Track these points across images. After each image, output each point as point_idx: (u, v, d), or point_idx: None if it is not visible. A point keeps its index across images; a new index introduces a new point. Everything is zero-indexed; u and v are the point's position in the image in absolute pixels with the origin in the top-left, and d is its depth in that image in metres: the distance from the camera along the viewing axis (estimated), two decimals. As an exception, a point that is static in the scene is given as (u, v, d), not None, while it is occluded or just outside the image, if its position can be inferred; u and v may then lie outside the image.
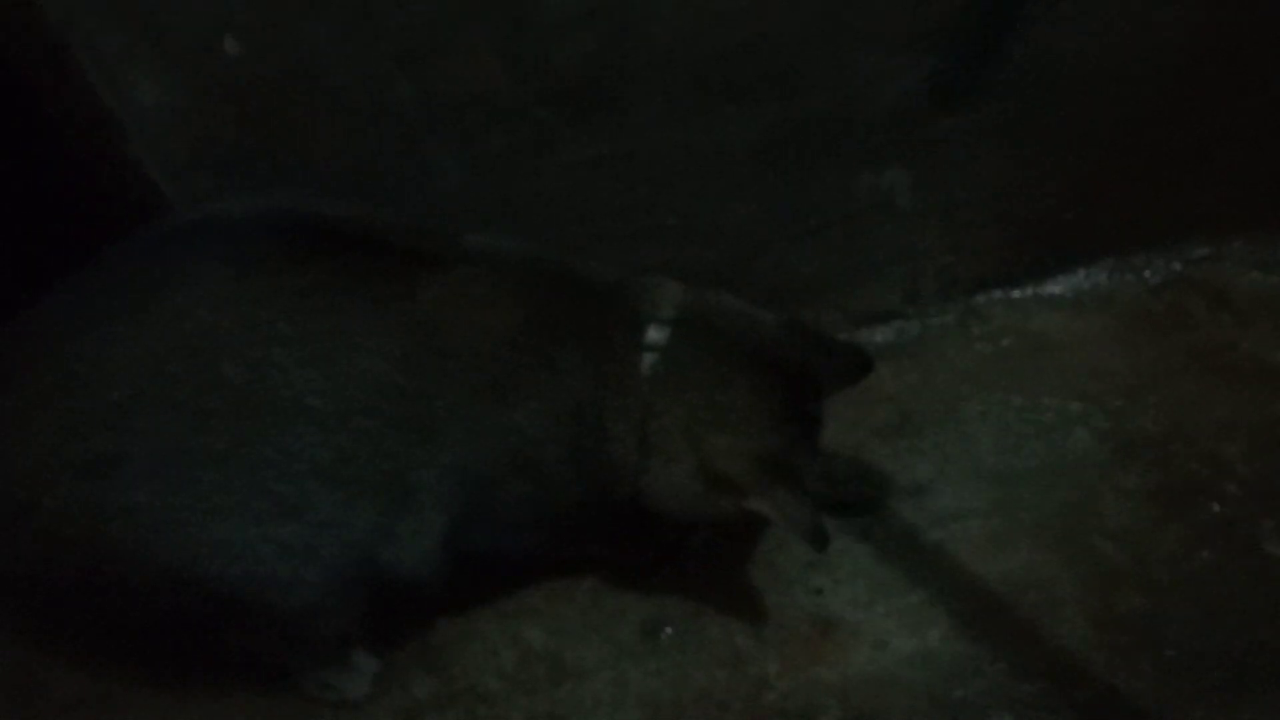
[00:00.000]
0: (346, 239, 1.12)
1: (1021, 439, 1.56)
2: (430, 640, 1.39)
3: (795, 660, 1.37)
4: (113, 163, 1.27)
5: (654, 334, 1.21)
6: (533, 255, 1.22)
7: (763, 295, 1.61)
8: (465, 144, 1.33)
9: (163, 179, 1.27)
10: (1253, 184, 1.70)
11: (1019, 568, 1.43)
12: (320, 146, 1.29)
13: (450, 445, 1.13)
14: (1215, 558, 1.41)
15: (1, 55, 1.26)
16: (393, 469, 1.11)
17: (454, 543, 1.19)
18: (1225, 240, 1.76)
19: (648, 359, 1.20)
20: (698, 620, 1.41)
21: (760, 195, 1.49)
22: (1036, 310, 1.73)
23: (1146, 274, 1.75)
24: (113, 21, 1.15)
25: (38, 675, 1.35)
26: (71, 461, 1.02)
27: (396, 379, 1.09)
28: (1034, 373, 1.63)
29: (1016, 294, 1.75)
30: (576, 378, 1.18)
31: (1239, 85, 1.57)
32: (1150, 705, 1.28)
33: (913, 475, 1.55)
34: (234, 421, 1.04)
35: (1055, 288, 1.75)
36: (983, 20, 1.33)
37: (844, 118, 1.41)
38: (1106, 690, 1.30)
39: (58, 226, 1.33)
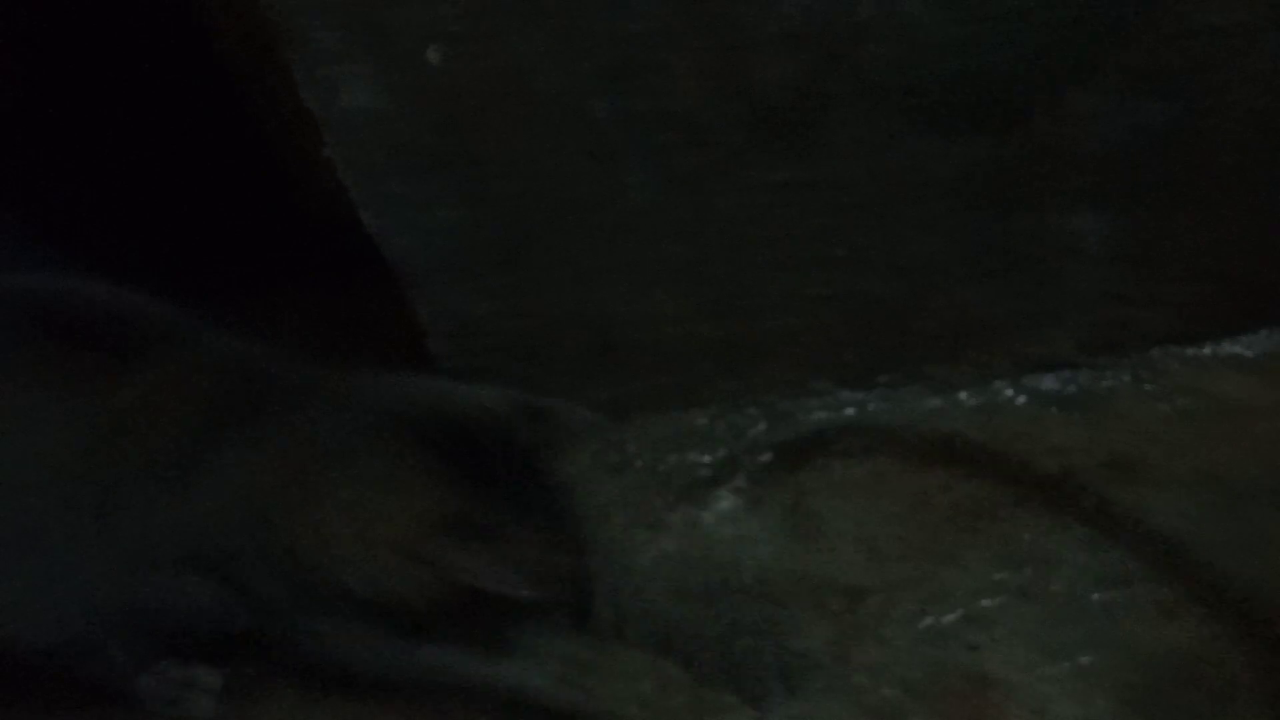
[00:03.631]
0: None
1: (1199, 507, 1.49)
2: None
3: (947, 718, 1.32)
4: (307, 162, 1.28)
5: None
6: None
7: (931, 336, 1.59)
8: (657, 161, 1.32)
9: (355, 182, 1.28)
10: None
11: (1194, 641, 1.36)
12: (516, 157, 1.28)
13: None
14: None
15: (209, 49, 1.27)
16: None
17: None
18: None
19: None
20: (843, 668, 1.37)
21: (946, 232, 1.45)
22: (1216, 370, 1.64)
23: (1340, 340, 1.67)
24: (325, 22, 1.15)
25: None
26: None
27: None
28: (1217, 438, 1.55)
29: (1193, 351, 1.66)
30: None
31: None
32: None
33: (1077, 533, 1.49)
34: None
35: (1237, 348, 1.67)
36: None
37: (1050, 157, 1.36)
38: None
39: (245, 221, 1.36)
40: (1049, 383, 1.66)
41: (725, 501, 1.60)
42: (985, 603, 1.43)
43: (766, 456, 1.65)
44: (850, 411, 1.68)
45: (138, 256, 1.32)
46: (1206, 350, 1.67)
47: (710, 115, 1.28)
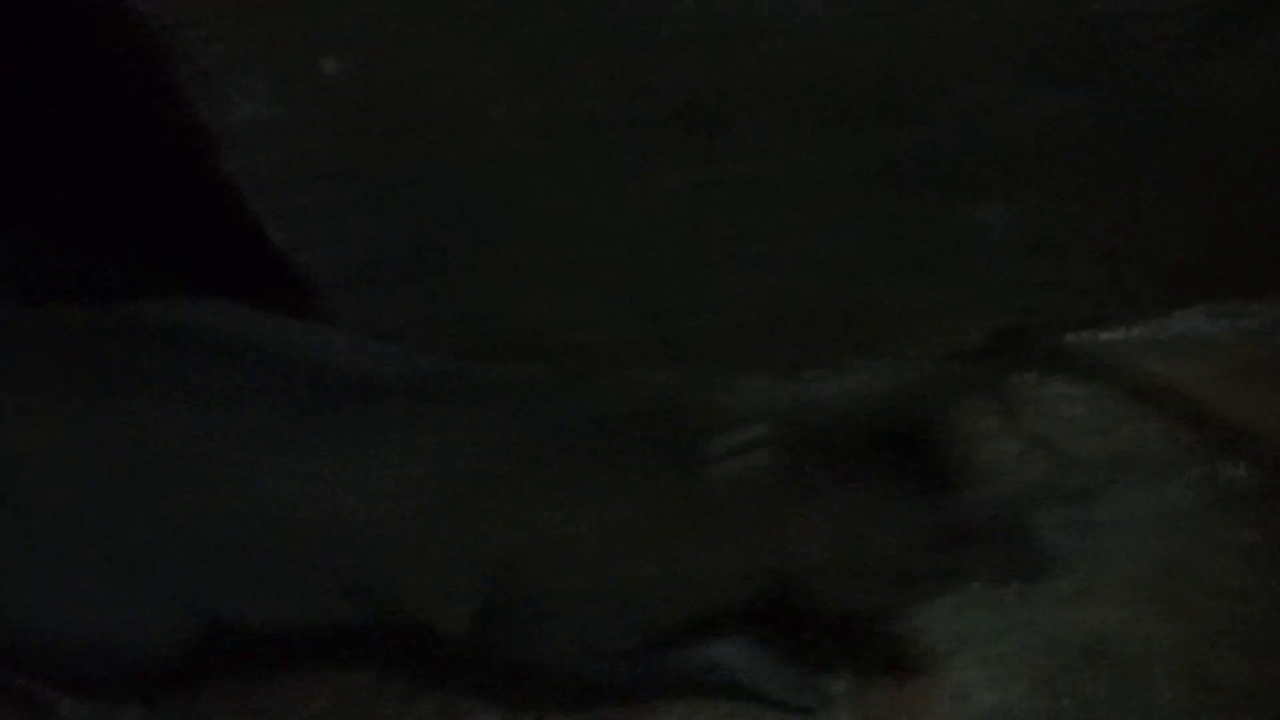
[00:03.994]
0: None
1: (1113, 487, 1.51)
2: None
3: (870, 711, 1.33)
4: (204, 176, 1.26)
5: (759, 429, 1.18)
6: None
7: (850, 329, 1.60)
8: (564, 165, 1.31)
9: (256, 195, 1.26)
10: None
11: (1108, 622, 1.38)
12: (421, 165, 1.27)
13: None
14: (1319, 622, 1.36)
15: (96, 62, 1.24)
16: None
17: None
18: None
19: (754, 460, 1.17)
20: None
21: (858, 226, 1.45)
22: (1129, 354, 1.67)
23: (1249, 319, 1.70)
24: (215, 34, 1.13)
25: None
26: None
27: None
28: (1127, 418, 1.58)
29: (1106, 336, 1.69)
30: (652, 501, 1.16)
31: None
32: (1250, 776, 1.24)
33: (994, 521, 1.50)
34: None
35: (1150, 332, 1.70)
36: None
37: (953, 149, 1.37)
38: (1201, 758, 1.26)
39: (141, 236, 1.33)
40: (969, 372, 1.68)
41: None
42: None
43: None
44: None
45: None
46: (1119, 334, 1.69)
47: (615, 118, 1.28)
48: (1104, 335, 1.69)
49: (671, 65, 1.24)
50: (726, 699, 1.31)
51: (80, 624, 1.17)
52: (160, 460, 1.11)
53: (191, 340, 1.16)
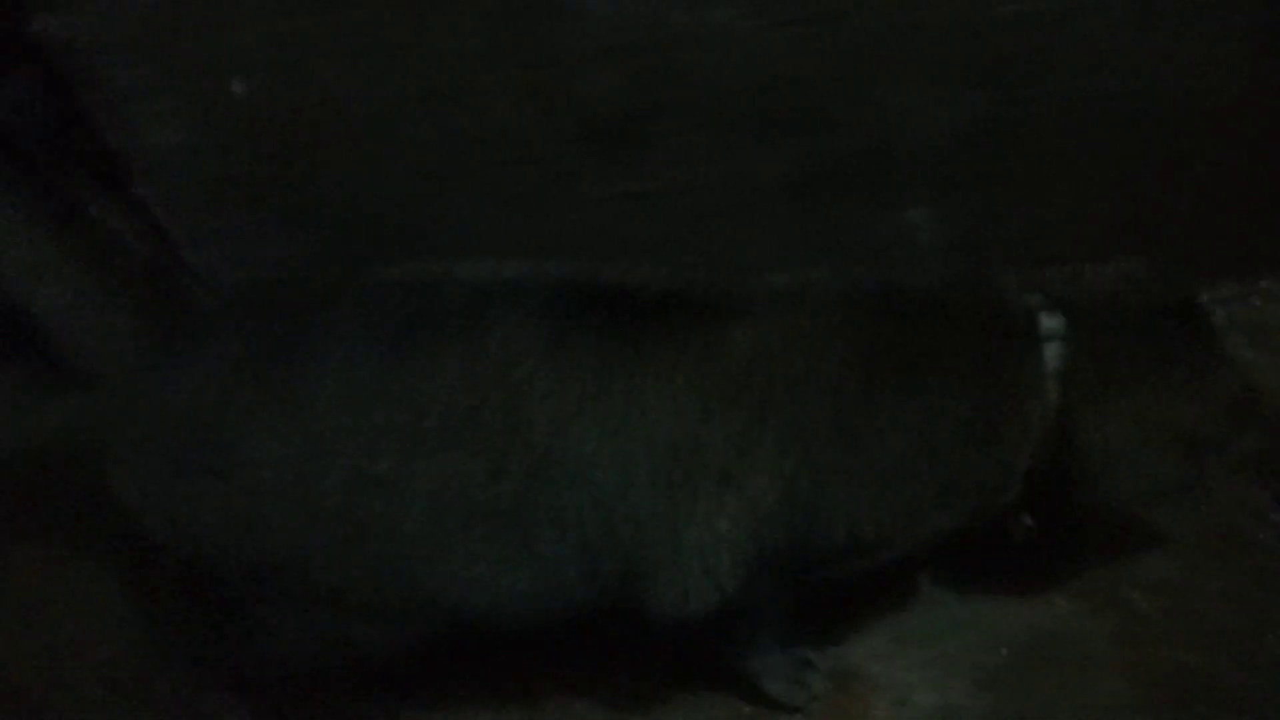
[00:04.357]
0: (646, 303, 1.09)
1: (1050, 484, 1.52)
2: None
3: (812, 716, 1.33)
4: (118, 201, 1.24)
5: (1049, 322, 1.11)
6: (857, 284, 1.14)
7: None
8: (484, 181, 1.30)
9: (170, 220, 1.24)
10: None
11: (1047, 619, 1.39)
12: (339, 184, 1.26)
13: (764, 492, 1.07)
14: (1253, 610, 1.36)
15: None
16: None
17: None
18: (1254, 278, 1.72)
19: (1051, 351, 1.10)
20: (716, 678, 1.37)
21: (782, 232, 1.46)
22: (1063, 350, 1.68)
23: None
24: (124, 60, 1.12)
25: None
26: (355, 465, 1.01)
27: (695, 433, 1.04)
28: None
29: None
30: (948, 398, 1.08)
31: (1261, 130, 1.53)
32: (1188, 766, 1.24)
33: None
34: (525, 481, 1.03)
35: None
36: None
37: (873, 155, 1.38)
38: (1141, 750, 1.26)
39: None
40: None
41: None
42: (848, 597, 1.44)
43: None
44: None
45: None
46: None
47: (536, 133, 1.27)
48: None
49: (585, 79, 1.24)
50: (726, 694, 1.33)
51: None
52: None
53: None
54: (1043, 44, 1.31)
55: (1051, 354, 1.10)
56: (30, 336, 1.28)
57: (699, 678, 1.34)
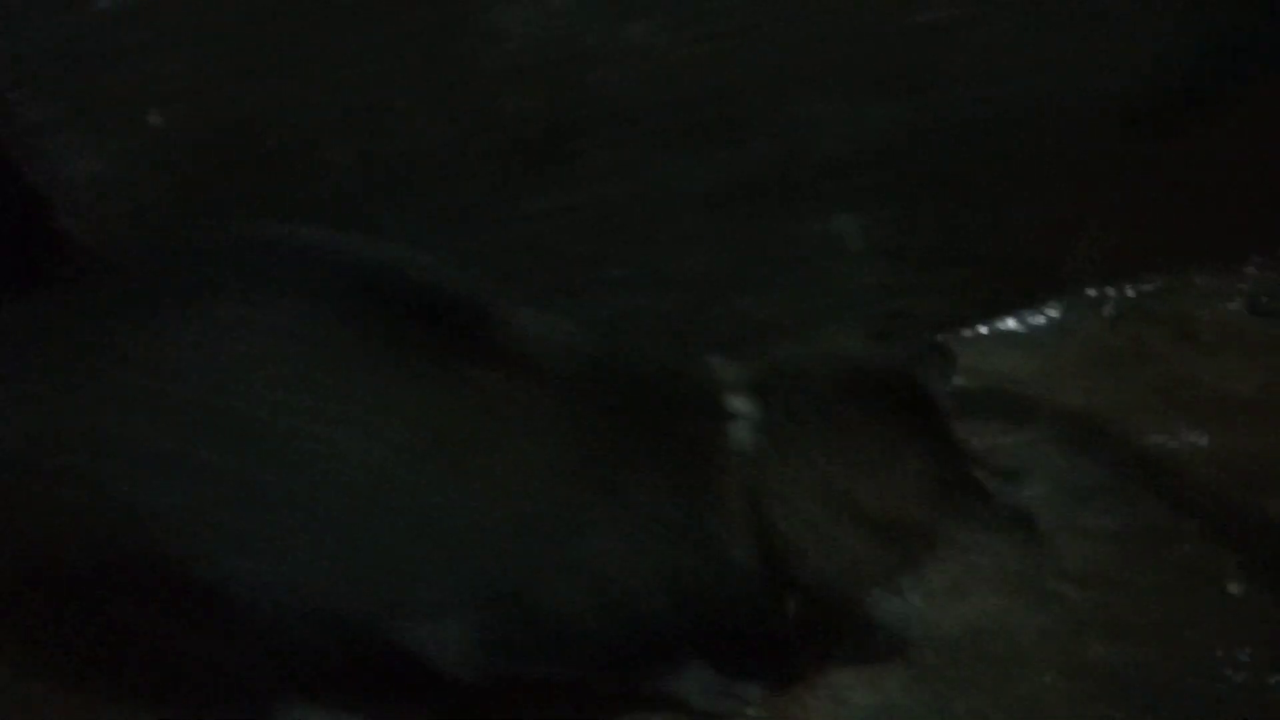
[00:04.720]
0: (399, 296, 1.04)
1: (980, 481, 1.54)
2: None
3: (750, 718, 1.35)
4: (43, 234, 1.24)
5: (737, 403, 1.09)
6: (577, 347, 1.08)
7: (720, 342, 1.61)
8: (411, 203, 1.31)
9: (97, 250, 1.24)
10: (1209, 214, 1.70)
11: (979, 615, 1.41)
12: (258, 213, 1.26)
13: (464, 560, 1.04)
14: (1181, 600, 1.39)
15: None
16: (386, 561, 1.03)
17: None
18: (1184, 272, 1.75)
19: (738, 432, 1.08)
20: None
21: (713, 242, 1.47)
22: (992, 349, 1.71)
23: (1104, 307, 1.75)
24: (33, 94, 1.12)
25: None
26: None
27: (404, 474, 1.00)
28: (991, 413, 1.62)
29: (970, 333, 1.73)
30: (654, 493, 1.05)
31: (1194, 119, 1.56)
32: (1118, 754, 1.27)
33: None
34: (239, 449, 0.98)
35: (1011, 324, 1.74)
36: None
37: (792, 165, 1.40)
38: (1073, 741, 1.28)
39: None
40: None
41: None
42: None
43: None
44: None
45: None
46: (983, 329, 1.74)
47: (459, 152, 1.28)
48: (966, 332, 1.73)
49: (506, 98, 1.25)
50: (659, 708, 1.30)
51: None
52: None
53: None
54: (952, 52, 1.34)
55: (740, 436, 1.08)
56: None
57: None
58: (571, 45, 1.23)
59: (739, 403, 1.09)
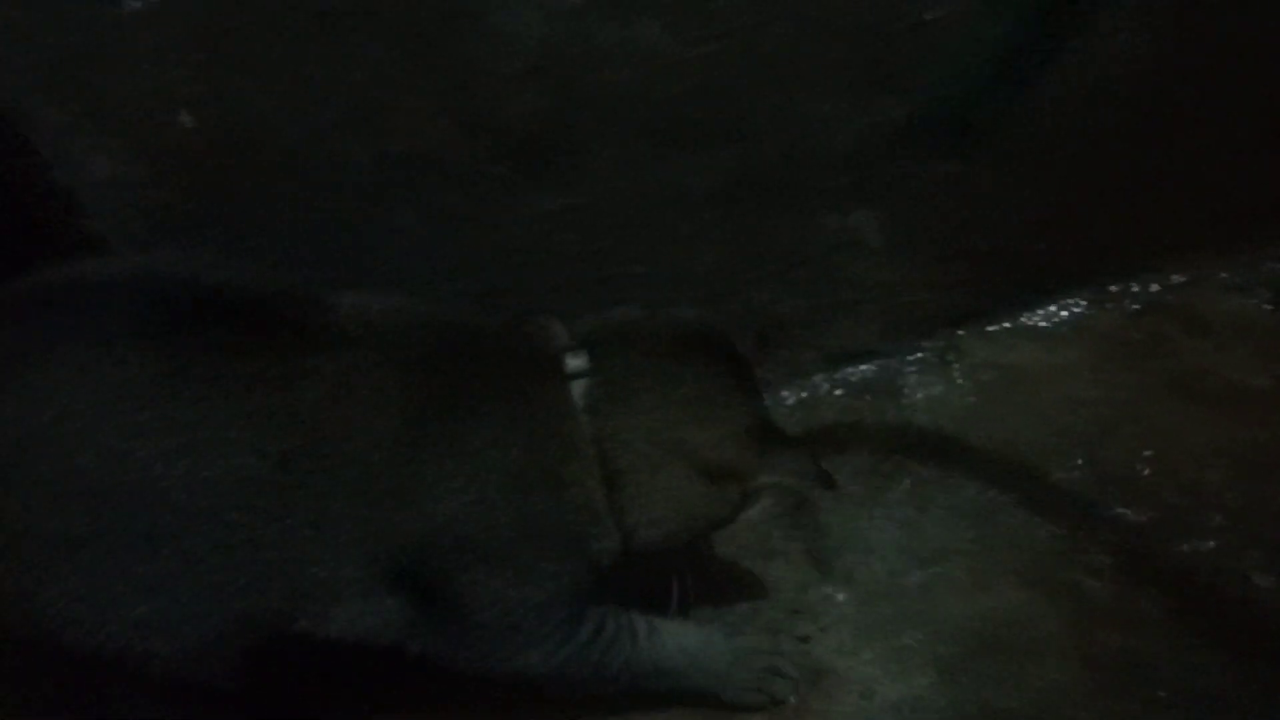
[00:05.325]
0: (218, 310, 1.06)
1: (1001, 476, 1.54)
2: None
3: (782, 712, 1.35)
4: (73, 234, 1.27)
5: (573, 361, 1.15)
6: (412, 319, 1.13)
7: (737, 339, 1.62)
8: (423, 201, 1.33)
9: (123, 250, 1.27)
10: (1227, 207, 1.69)
11: (1003, 608, 1.41)
12: (277, 210, 1.29)
13: (355, 543, 1.07)
14: (1202, 591, 1.38)
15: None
16: (279, 559, 1.07)
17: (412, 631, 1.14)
18: (1201, 265, 1.74)
19: (577, 388, 1.14)
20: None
21: (724, 239, 1.48)
22: (1013, 343, 1.71)
23: (1123, 301, 1.74)
24: (56, 98, 1.15)
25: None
26: None
27: (274, 476, 1.04)
28: (1012, 407, 1.62)
29: (993, 328, 1.73)
30: (497, 447, 1.10)
31: (1208, 111, 1.56)
32: (1140, 746, 1.26)
33: (893, 516, 1.53)
34: (93, 508, 1.01)
35: (1031, 319, 1.74)
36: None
37: (801, 161, 1.41)
38: (1096, 733, 1.28)
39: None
40: (862, 372, 1.71)
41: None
42: (811, 595, 1.47)
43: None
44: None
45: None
46: (1005, 325, 1.73)
47: (467, 152, 1.30)
48: (989, 326, 1.72)
49: (513, 98, 1.27)
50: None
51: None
52: None
53: None
54: (952, 48, 1.34)
55: (579, 392, 1.14)
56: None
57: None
58: (580, 45, 1.24)
59: (574, 360, 1.15)
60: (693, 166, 1.38)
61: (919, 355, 1.72)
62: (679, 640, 1.28)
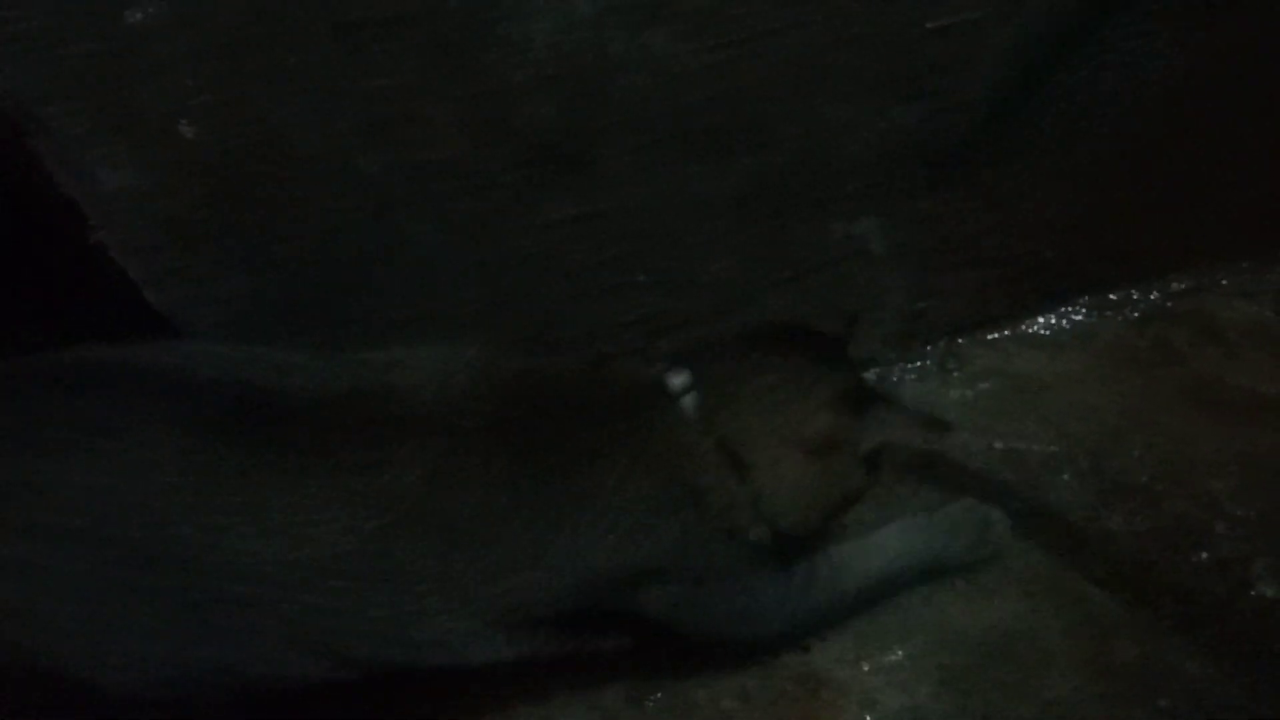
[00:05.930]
0: (292, 402, 1.11)
1: (1006, 484, 1.54)
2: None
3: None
4: (78, 246, 1.26)
5: (676, 380, 1.21)
6: (488, 378, 1.17)
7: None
8: (436, 210, 1.32)
9: (130, 262, 1.26)
10: (1234, 214, 1.69)
11: (1008, 618, 1.41)
12: (289, 220, 1.28)
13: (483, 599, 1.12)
14: (1209, 601, 1.39)
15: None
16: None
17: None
18: (1208, 271, 1.75)
19: (686, 403, 1.20)
20: (683, 684, 1.39)
21: (736, 247, 1.48)
22: (1017, 351, 1.72)
23: (1128, 309, 1.74)
24: (69, 109, 1.14)
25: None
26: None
27: (372, 548, 1.07)
28: (1016, 415, 1.62)
29: (995, 335, 1.73)
30: (630, 480, 1.15)
31: (1214, 118, 1.56)
32: (1146, 758, 1.26)
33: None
34: (185, 574, 1.05)
35: (1035, 327, 1.74)
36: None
37: (814, 168, 1.40)
38: (1101, 745, 1.28)
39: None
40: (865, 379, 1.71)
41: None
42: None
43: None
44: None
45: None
46: (1006, 332, 1.74)
47: (480, 161, 1.29)
48: (991, 334, 1.72)
49: (530, 107, 1.26)
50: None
51: None
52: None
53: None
54: (966, 55, 1.34)
55: (689, 406, 1.20)
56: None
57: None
58: (594, 54, 1.23)
59: (676, 379, 1.21)
60: (706, 174, 1.37)
61: (920, 363, 1.72)
62: (887, 544, 1.39)
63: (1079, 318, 1.74)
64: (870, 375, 1.70)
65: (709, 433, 1.19)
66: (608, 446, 1.15)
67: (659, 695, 1.38)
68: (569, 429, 1.16)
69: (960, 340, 1.72)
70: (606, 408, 1.19)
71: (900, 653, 1.40)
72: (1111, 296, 1.74)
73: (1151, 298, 1.75)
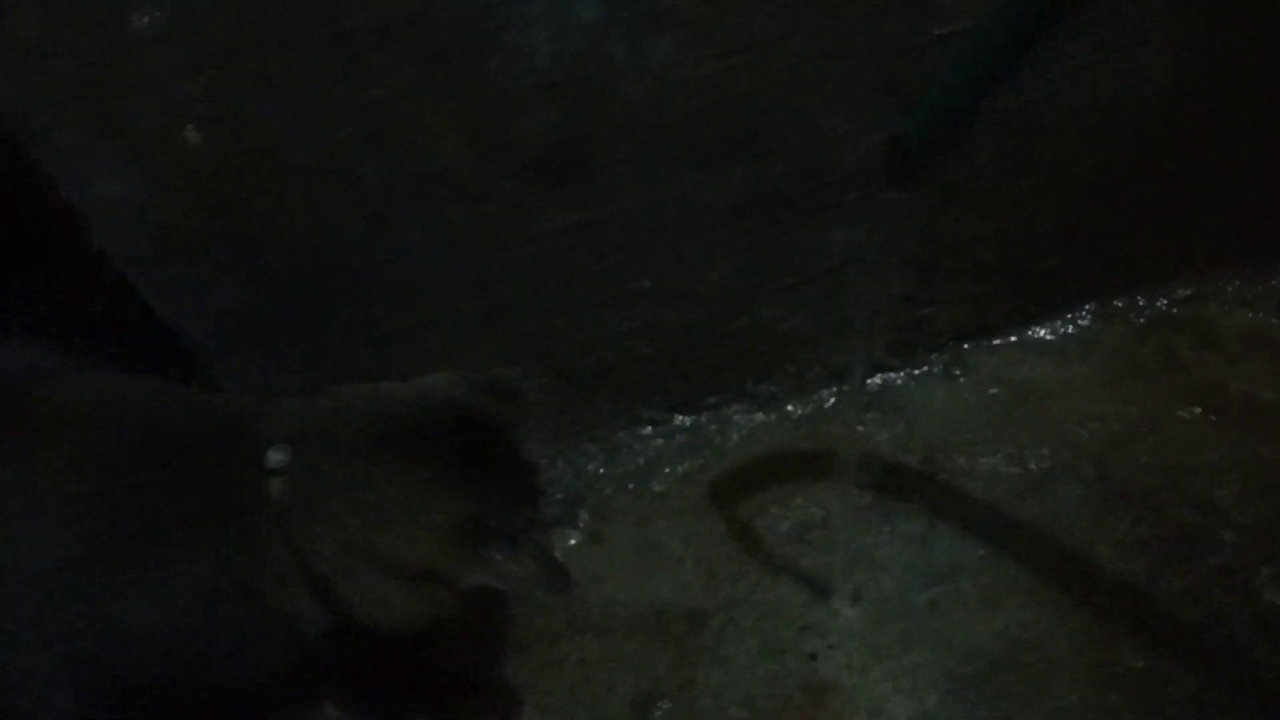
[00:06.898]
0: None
1: (1010, 491, 1.54)
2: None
3: (790, 729, 1.35)
4: (78, 252, 1.26)
5: (275, 456, 1.05)
6: (114, 401, 1.07)
7: (744, 355, 1.62)
8: (434, 219, 1.32)
9: (130, 270, 1.26)
10: (1236, 222, 1.69)
11: (1014, 625, 1.40)
12: (289, 229, 1.27)
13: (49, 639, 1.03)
14: (1214, 608, 1.38)
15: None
16: None
17: None
18: (1210, 278, 1.74)
19: (275, 486, 1.04)
20: (689, 693, 1.39)
21: (735, 255, 1.47)
22: (1022, 357, 1.71)
23: (1129, 316, 1.74)
24: (65, 118, 1.13)
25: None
26: None
27: None
28: (1021, 421, 1.61)
29: (1000, 341, 1.73)
30: (188, 559, 1.03)
31: (1215, 125, 1.55)
32: (1153, 766, 1.26)
33: (902, 532, 1.53)
34: None
35: (1040, 333, 1.73)
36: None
37: (813, 176, 1.40)
38: (1107, 753, 1.28)
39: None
40: (867, 387, 1.71)
41: (572, 540, 1.61)
42: (819, 612, 1.46)
43: (608, 490, 1.67)
44: (683, 438, 1.70)
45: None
46: (1011, 338, 1.73)
47: (478, 170, 1.29)
48: (994, 340, 1.72)
49: (529, 115, 1.25)
50: None
51: None
52: None
53: None
54: (962, 64, 1.33)
55: (275, 491, 1.04)
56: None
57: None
58: (595, 62, 1.23)
59: (275, 455, 1.05)
60: (705, 183, 1.37)
61: (925, 369, 1.71)
62: None
63: (1083, 324, 1.73)
64: (875, 381, 1.70)
65: (281, 529, 1.03)
66: (183, 508, 1.03)
67: (666, 704, 1.38)
68: (158, 472, 1.04)
69: (965, 346, 1.71)
70: (200, 464, 1.05)
71: (907, 661, 1.39)
72: (1115, 304, 1.73)
73: (1152, 304, 1.74)
